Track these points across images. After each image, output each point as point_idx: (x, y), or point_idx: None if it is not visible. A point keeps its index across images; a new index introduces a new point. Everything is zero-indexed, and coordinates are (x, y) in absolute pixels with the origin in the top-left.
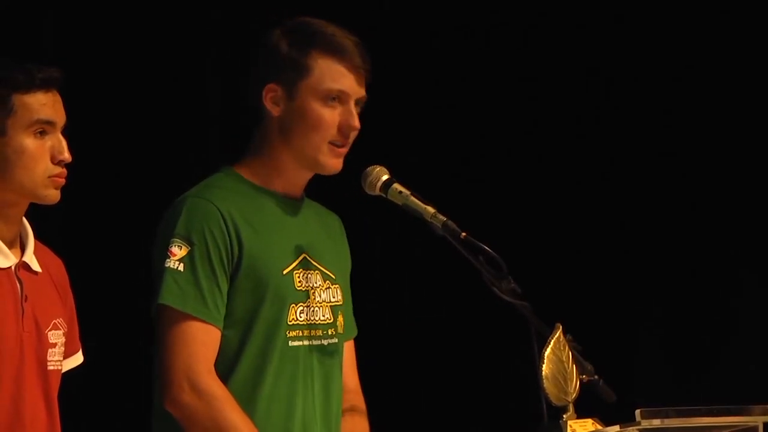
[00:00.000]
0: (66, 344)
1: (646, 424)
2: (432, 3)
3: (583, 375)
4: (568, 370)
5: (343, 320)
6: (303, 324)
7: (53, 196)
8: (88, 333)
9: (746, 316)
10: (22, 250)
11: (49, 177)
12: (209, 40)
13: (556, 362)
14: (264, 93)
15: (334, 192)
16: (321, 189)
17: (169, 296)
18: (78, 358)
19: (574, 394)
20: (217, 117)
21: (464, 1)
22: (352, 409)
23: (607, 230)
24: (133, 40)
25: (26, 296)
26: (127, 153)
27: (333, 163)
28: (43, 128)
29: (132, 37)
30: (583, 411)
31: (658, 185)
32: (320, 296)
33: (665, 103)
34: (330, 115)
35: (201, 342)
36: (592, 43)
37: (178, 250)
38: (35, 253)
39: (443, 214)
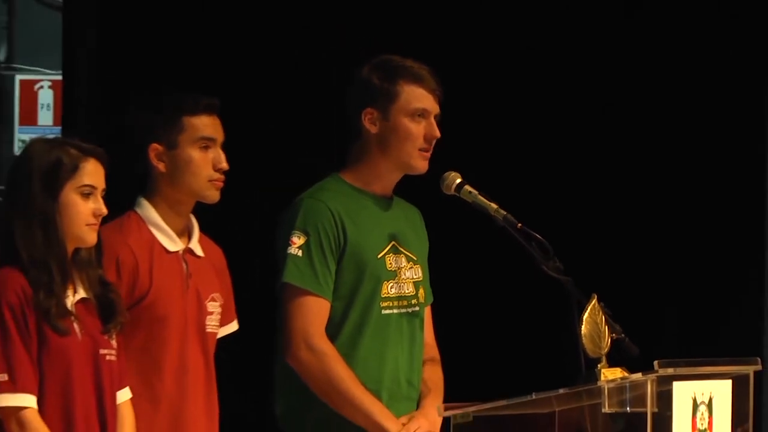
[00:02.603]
0: (222, 314)
1: (662, 371)
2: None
3: (613, 334)
4: (602, 330)
5: (423, 292)
6: (393, 296)
7: (214, 196)
8: (243, 308)
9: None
10: (189, 238)
11: (210, 181)
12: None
13: (592, 324)
14: (363, 116)
15: (419, 192)
16: (409, 190)
17: (291, 276)
18: (233, 326)
19: (606, 349)
20: (318, 133)
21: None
22: (430, 360)
23: (632, 220)
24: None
25: (190, 274)
26: (267, 164)
27: (422, 165)
28: (206, 144)
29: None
30: (613, 362)
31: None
32: (405, 274)
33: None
34: (417, 129)
35: (315, 311)
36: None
37: (298, 240)
38: (199, 241)
39: (504, 209)
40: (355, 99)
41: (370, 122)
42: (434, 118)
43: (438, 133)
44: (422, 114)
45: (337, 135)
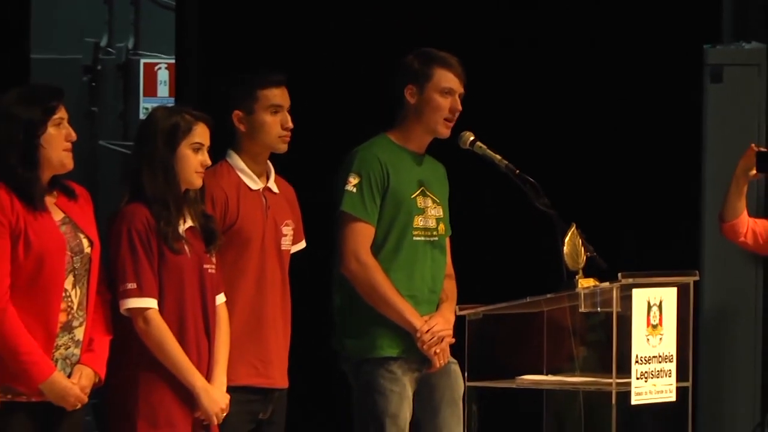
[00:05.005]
0: (294, 236)
1: (624, 281)
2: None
3: (587, 252)
4: (579, 249)
5: (444, 226)
6: (421, 228)
7: (283, 148)
8: (309, 230)
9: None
10: (267, 179)
11: (279, 137)
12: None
13: (572, 245)
14: (405, 90)
15: (444, 147)
16: (439, 147)
17: (347, 206)
18: (302, 244)
19: (582, 264)
20: (378, 103)
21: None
22: (448, 276)
23: (601, 168)
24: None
25: (269, 206)
26: (326, 124)
27: (446, 131)
28: (276, 109)
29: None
30: (587, 274)
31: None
32: (431, 212)
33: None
34: (445, 103)
35: (363, 234)
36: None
37: (353, 180)
38: (275, 182)
39: (506, 159)
40: (400, 78)
41: (410, 95)
42: (459, 96)
43: (460, 107)
44: (449, 92)
45: (384, 104)
